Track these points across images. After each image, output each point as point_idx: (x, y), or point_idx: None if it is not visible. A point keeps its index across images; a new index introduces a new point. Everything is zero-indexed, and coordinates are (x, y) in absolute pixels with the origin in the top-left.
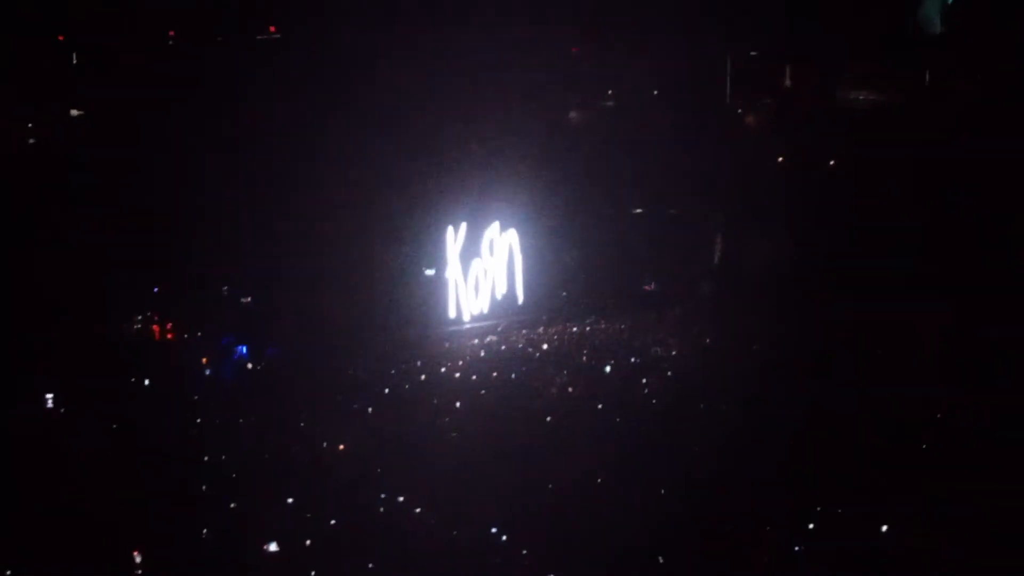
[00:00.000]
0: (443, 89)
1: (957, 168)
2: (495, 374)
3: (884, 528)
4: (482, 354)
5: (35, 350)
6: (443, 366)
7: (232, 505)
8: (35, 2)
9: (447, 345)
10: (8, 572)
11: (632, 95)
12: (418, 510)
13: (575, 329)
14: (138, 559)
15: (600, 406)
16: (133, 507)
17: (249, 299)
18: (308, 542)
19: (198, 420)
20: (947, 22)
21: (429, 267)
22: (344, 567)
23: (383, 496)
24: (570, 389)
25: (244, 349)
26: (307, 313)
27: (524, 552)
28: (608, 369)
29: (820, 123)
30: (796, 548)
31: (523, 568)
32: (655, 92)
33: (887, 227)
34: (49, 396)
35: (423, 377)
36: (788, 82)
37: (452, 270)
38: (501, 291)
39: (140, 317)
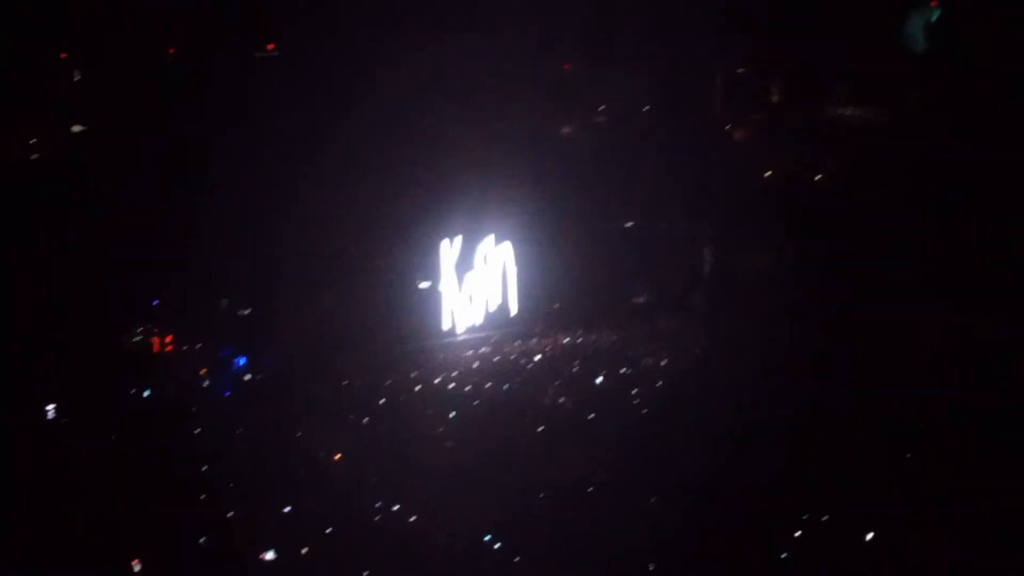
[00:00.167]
0: (437, 104)
1: (943, 180)
2: (489, 385)
3: (879, 533)
4: (476, 365)
5: (35, 360)
6: (437, 377)
7: (229, 514)
8: (37, 19)
9: (441, 356)
10: None
11: (624, 110)
12: (413, 518)
13: (567, 340)
14: (136, 568)
15: (592, 416)
16: (131, 516)
17: (247, 311)
18: (304, 550)
19: (196, 430)
20: (931, 38)
21: (424, 279)
22: (340, 574)
23: (379, 505)
24: (562, 399)
25: (242, 360)
26: (304, 325)
27: (517, 560)
28: (600, 380)
29: (809, 137)
30: (785, 555)
31: (517, 575)
32: (646, 107)
33: (875, 239)
34: (50, 407)
35: (418, 388)
36: (777, 97)
37: (446, 282)
38: (495, 303)
39: (139, 329)
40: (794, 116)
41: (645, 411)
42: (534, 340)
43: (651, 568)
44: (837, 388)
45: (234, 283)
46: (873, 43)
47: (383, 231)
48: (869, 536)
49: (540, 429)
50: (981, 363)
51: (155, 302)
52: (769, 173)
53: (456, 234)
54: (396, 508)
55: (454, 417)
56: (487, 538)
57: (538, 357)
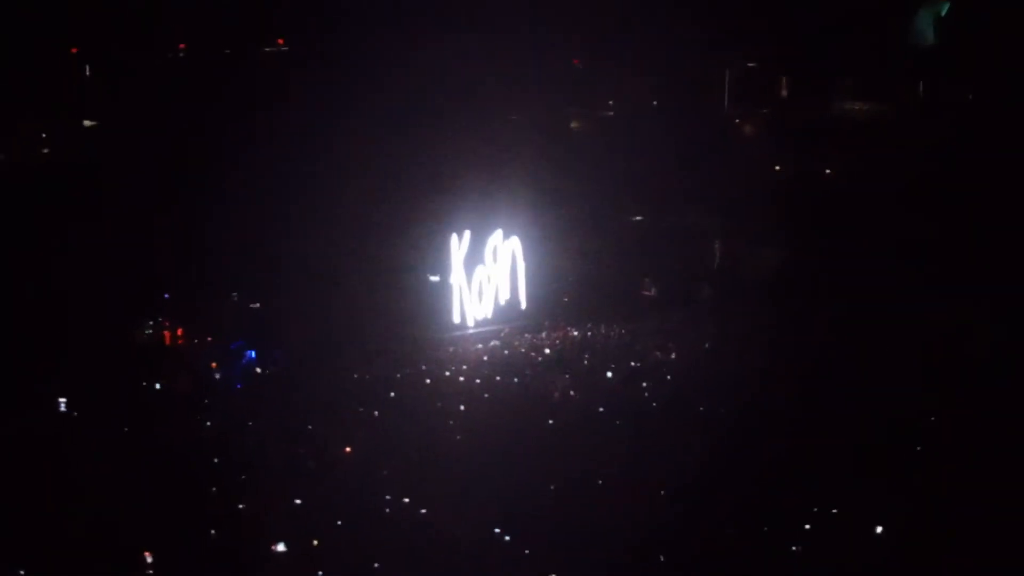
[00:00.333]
0: (447, 100)
1: (951, 177)
2: (498, 378)
3: (886, 526)
4: (485, 359)
5: (48, 355)
6: (447, 370)
7: (241, 506)
8: (48, 16)
9: (451, 350)
10: (21, 572)
11: (632, 106)
12: (423, 511)
13: (576, 334)
14: (149, 559)
15: (601, 409)
16: (144, 508)
17: (258, 305)
18: (315, 542)
19: (208, 423)
20: (940, 34)
21: (434, 274)
22: (350, 567)
23: (389, 497)
24: (572, 393)
25: (253, 354)
26: (314, 318)
27: (527, 552)
28: (609, 373)
29: (816, 133)
30: (794, 548)
31: (526, 568)
32: (655, 103)
33: (883, 234)
34: (62, 400)
35: (428, 381)
36: (784, 93)
37: (456, 276)
38: (504, 297)
39: (151, 323)
40: (802, 112)
41: (654, 404)
42: (543, 334)
43: (661, 559)
44: (844, 383)
45: (245, 277)
46: (882, 39)
47: (393, 226)
48: (878, 529)
49: (550, 422)
50: (990, 361)
51: (166, 296)
52: (777, 169)
53: (465, 229)
54: (406, 501)
55: (464, 410)
56: (497, 531)
57: (547, 351)
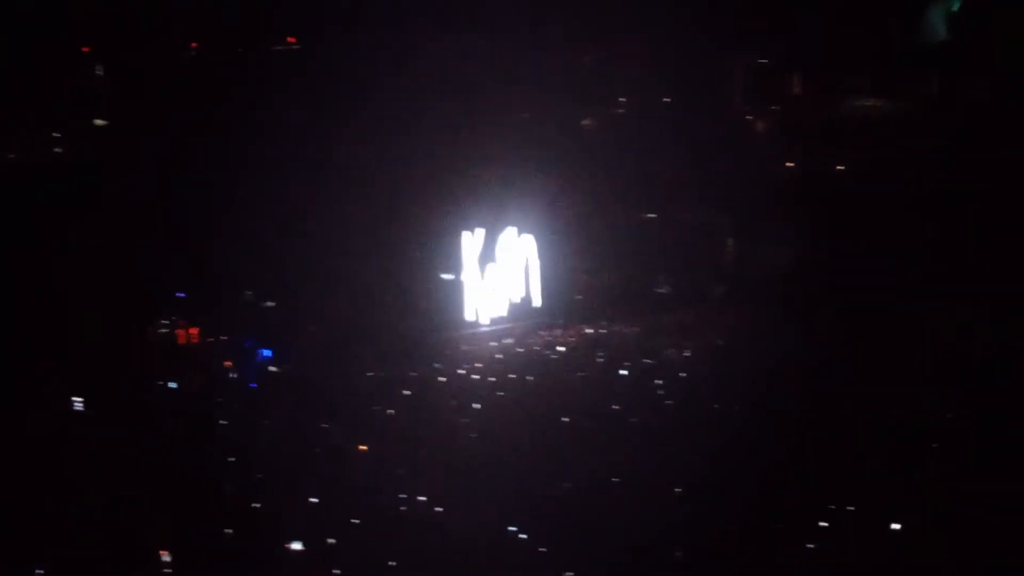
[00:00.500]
0: (459, 99)
1: (965, 174)
2: (512, 376)
3: (895, 527)
4: (499, 356)
5: (64, 353)
6: (461, 368)
7: (256, 504)
8: (60, 15)
9: (465, 348)
10: (39, 571)
11: (643, 103)
12: (438, 509)
13: (590, 331)
14: (166, 558)
15: (616, 407)
16: (159, 507)
17: (272, 304)
18: (331, 540)
19: (222, 422)
20: (953, 30)
21: (447, 272)
22: (366, 565)
23: (403, 495)
24: (586, 390)
25: (267, 352)
26: (328, 317)
27: (542, 550)
28: (623, 371)
29: (829, 130)
30: (809, 546)
31: (541, 566)
32: (666, 100)
33: (897, 232)
34: (77, 399)
35: (442, 379)
36: (797, 90)
37: (469, 274)
38: (517, 295)
39: (166, 321)
40: (814, 110)
41: (668, 402)
42: (557, 331)
43: (676, 556)
44: (858, 381)
45: (259, 276)
46: (894, 36)
47: (406, 225)
48: (892, 527)
49: (564, 420)
50: (1000, 358)
51: (181, 295)
52: (789, 166)
53: (478, 227)
54: (422, 499)
55: (478, 408)
56: (512, 529)
57: (561, 348)
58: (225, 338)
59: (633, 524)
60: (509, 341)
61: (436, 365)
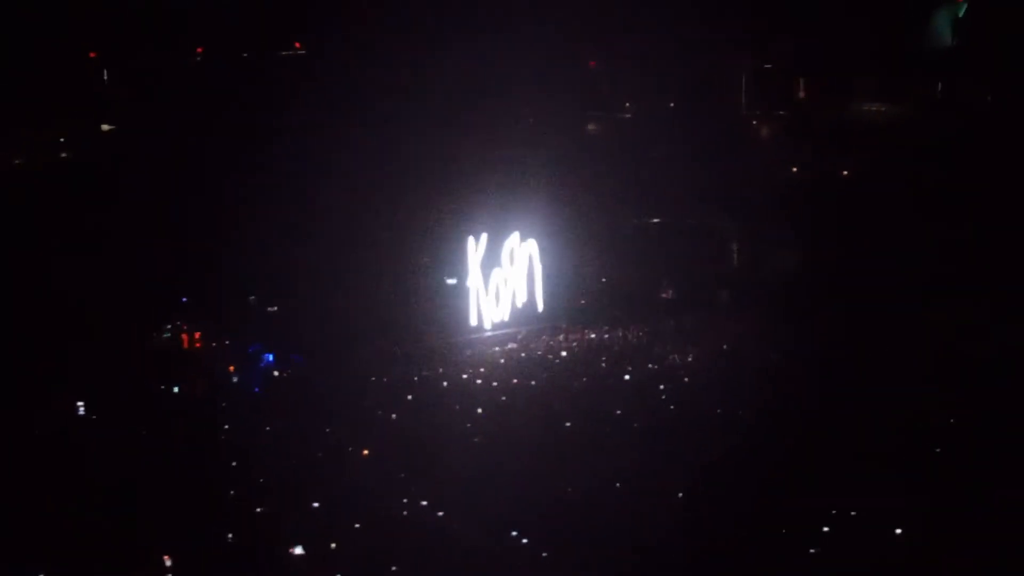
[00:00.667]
0: (464, 102)
1: (970, 178)
2: (516, 381)
3: (900, 531)
4: (503, 361)
5: (66, 358)
6: (465, 373)
7: (259, 509)
8: (66, 20)
9: (468, 352)
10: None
11: (649, 107)
12: (441, 514)
13: (594, 336)
14: (168, 563)
15: (619, 412)
16: (162, 511)
17: (275, 308)
18: (333, 545)
19: (225, 426)
20: (959, 34)
21: (451, 276)
22: (368, 570)
23: (406, 500)
24: (590, 395)
25: (270, 357)
26: (331, 321)
27: (545, 555)
28: (627, 376)
29: (833, 134)
30: (813, 550)
31: (544, 571)
32: (671, 104)
33: (902, 236)
34: (80, 403)
35: (445, 384)
36: (802, 94)
37: (473, 279)
38: (521, 299)
39: (169, 326)
40: (819, 113)
41: (672, 407)
42: (561, 336)
43: (680, 560)
44: (864, 385)
45: (262, 280)
46: (899, 40)
47: (410, 229)
48: (896, 532)
49: (567, 424)
50: (1005, 361)
51: (184, 300)
52: (795, 170)
53: (482, 231)
54: (424, 503)
55: (482, 413)
56: (515, 533)
57: (564, 353)
58: (228, 343)
59: (636, 529)
60: (513, 346)
61: (440, 369)
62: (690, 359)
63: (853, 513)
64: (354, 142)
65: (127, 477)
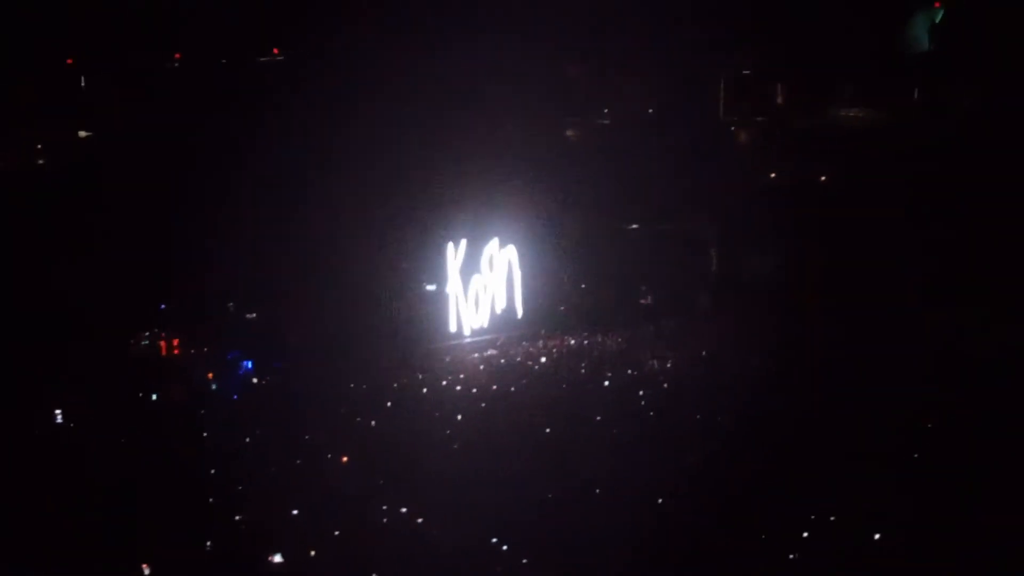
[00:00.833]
0: (442, 108)
1: (949, 182)
2: (495, 387)
3: (878, 535)
4: (482, 368)
5: (45, 365)
6: (444, 380)
7: (237, 516)
8: (44, 25)
9: (448, 359)
10: None
11: (627, 113)
12: (420, 520)
13: (573, 342)
14: (146, 571)
15: (599, 418)
16: (140, 520)
17: (254, 315)
18: (312, 552)
19: (204, 433)
20: (935, 40)
21: (430, 283)
22: None
23: (386, 507)
24: (569, 401)
25: (249, 364)
26: (311, 328)
27: (524, 561)
28: (606, 382)
29: (812, 139)
30: (791, 556)
31: None
32: (650, 110)
33: (879, 240)
34: (58, 411)
35: (424, 390)
36: (780, 100)
37: (452, 285)
38: (500, 306)
39: (147, 333)
40: (798, 119)
41: (651, 413)
42: (540, 342)
43: (659, 565)
44: (842, 390)
45: (241, 287)
46: (877, 46)
47: (389, 236)
48: (875, 536)
49: (547, 431)
50: (983, 364)
51: (163, 307)
52: (773, 176)
53: (461, 238)
54: (403, 510)
55: (461, 419)
56: (494, 540)
57: (544, 359)
58: (207, 349)
59: (615, 535)
60: (492, 352)
61: (419, 376)
62: (669, 364)
63: (832, 518)
64: (333, 150)
65: (105, 484)
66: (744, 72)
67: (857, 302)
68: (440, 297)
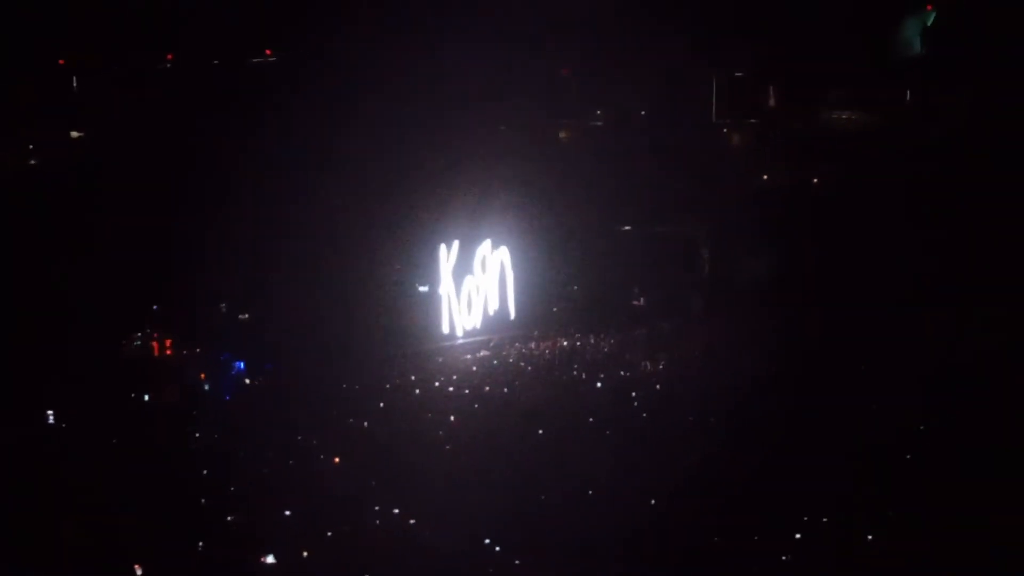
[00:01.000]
0: (436, 110)
1: (940, 185)
2: (487, 388)
3: (871, 536)
4: (475, 369)
5: (37, 367)
6: (437, 381)
7: (230, 517)
8: (36, 27)
9: (440, 360)
10: None
11: (620, 116)
12: (412, 521)
13: (566, 344)
14: (139, 572)
15: (591, 419)
16: (133, 520)
17: (246, 316)
18: (305, 553)
19: (196, 434)
20: (927, 43)
21: (423, 284)
22: None
23: (378, 508)
24: (561, 403)
25: (242, 365)
26: (303, 329)
27: (517, 562)
28: (599, 383)
29: (803, 142)
30: (784, 557)
31: None
32: (642, 113)
33: (872, 242)
34: (50, 412)
35: (417, 391)
36: (772, 102)
37: (445, 287)
38: (493, 307)
39: (140, 334)
40: (789, 121)
41: (644, 414)
42: (533, 344)
43: (652, 566)
44: (834, 392)
45: (233, 289)
46: (870, 47)
47: (381, 237)
48: (869, 537)
49: (539, 432)
50: (976, 366)
51: (155, 308)
52: (765, 178)
53: (454, 239)
54: (395, 511)
55: (453, 421)
56: (487, 541)
57: (537, 361)
58: (199, 351)
59: (608, 536)
60: (485, 353)
61: (411, 377)
62: (662, 366)
63: (825, 519)
64: (326, 152)
65: (97, 485)
66: (737, 74)
67: (849, 304)
68: (433, 298)
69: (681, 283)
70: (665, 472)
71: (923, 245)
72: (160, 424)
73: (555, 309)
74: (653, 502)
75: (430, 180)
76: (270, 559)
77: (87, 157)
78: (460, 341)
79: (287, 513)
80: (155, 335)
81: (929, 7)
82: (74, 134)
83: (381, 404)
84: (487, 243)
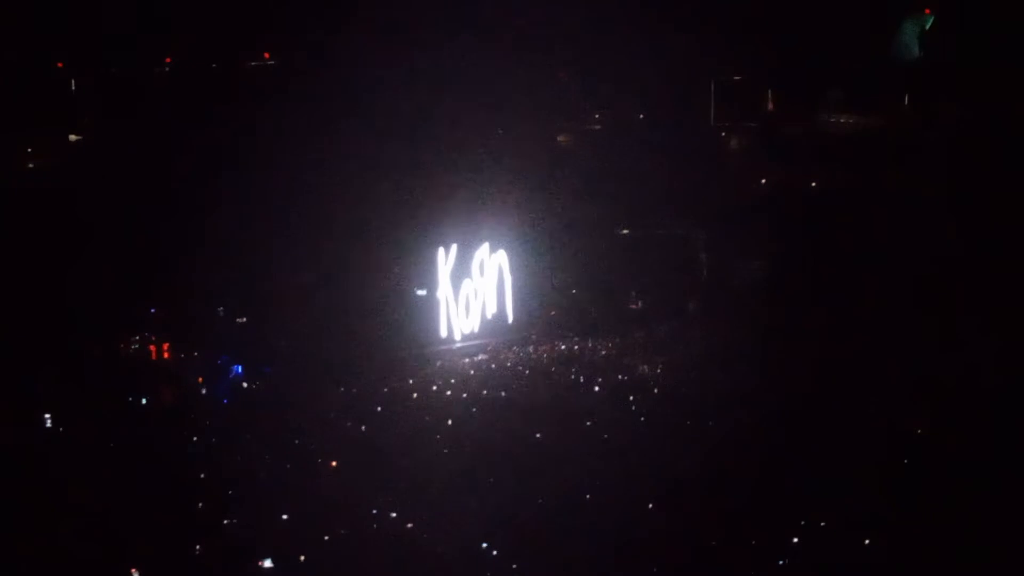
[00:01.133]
0: (433, 113)
1: (938, 190)
2: (485, 392)
3: (874, 538)
4: (472, 372)
5: (34, 369)
6: (434, 384)
7: (227, 522)
8: (35, 30)
9: (438, 364)
10: None
11: (618, 118)
12: (410, 526)
13: (564, 347)
14: (135, 575)
15: (589, 423)
16: (130, 525)
17: (244, 319)
18: (302, 558)
19: (194, 438)
20: (925, 47)
21: (420, 287)
22: None
23: (375, 512)
24: (559, 406)
25: (239, 368)
26: (301, 332)
27: (515, 567)
28: (597, 387)
29: (802, 145)
30: (781, 562)
31: None
32: (641, 116)
33: (870, 246)
34: (47, 415)
35: (415, 395)
36: (770, 106)
37: (443, 290)
38: (491, 310)
39: (137, 337)
40: (788, 125)
41: (642, 418)
42: (531, 347)
43: (647, 572)
44: (833, 394)
45: (231, 292)
46: (867, 51)
47: (379, 240)
48: (865, 541)
49: (537, 436)
50: (976, 367)
51: (153, 311)
52: (764, 181)
53: (452, 243)
54: (393, 515)
55: (451, 424)
56: (484, 545)
57: (535, 364)
58: (197, 354)
59: (606, 540)
60: (482, 357)
61: (409, 381)
62: (660, 369)
63: (823, 524)
64: (323, 154)
65: (94, 489)
66: (735, 78)
67: (847, 307)
68: (431, 302)
69: (679, 286)
70: (663, 475)
71: (922, 249)
72: (157, 427)
73: (553, 312)
74: (651, 505)
75: (428, 184)
76: (267, 563)
77: (85, 160)
78: (458, 345)
79: (284, 517)
80: (153, 338)
81: (927, 11)
82: (72, 137)
83: (379, 408)
84: (485, 246)
